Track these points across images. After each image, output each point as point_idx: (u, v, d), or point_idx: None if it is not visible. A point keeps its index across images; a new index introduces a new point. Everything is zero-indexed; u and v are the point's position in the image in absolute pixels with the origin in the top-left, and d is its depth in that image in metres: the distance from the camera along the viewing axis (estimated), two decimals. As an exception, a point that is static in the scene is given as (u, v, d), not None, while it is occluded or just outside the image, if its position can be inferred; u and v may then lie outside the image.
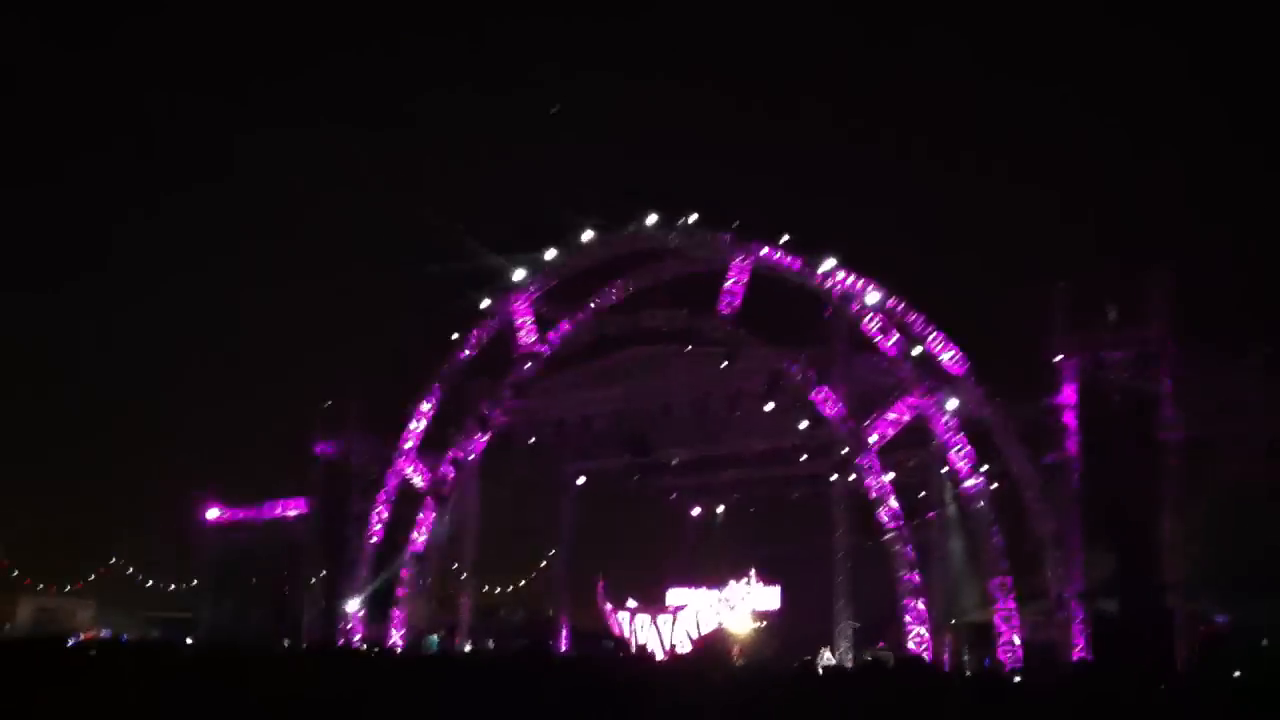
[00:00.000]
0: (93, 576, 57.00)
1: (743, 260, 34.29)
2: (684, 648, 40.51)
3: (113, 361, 49.44)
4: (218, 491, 46.94)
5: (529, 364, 38.34)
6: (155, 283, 51.72)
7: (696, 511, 45.77)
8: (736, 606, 41.43)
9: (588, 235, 37.58)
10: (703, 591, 42.55)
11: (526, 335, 38.44)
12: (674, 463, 40.28)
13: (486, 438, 39.84)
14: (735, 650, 38.25)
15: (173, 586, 52.14)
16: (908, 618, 31.30)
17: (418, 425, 40.62)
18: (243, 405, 46.52)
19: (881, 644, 35.09)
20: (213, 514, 46.86)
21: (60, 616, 53.72)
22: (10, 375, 50.95)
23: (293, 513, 44.83)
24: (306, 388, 43.47)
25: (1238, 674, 24.38)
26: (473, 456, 40.13)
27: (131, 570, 54.89)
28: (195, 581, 49.16)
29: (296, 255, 46.83)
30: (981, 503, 30.94)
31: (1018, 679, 24.78)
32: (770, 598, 41.58)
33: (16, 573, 56.56)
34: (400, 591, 40.33)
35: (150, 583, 53.93)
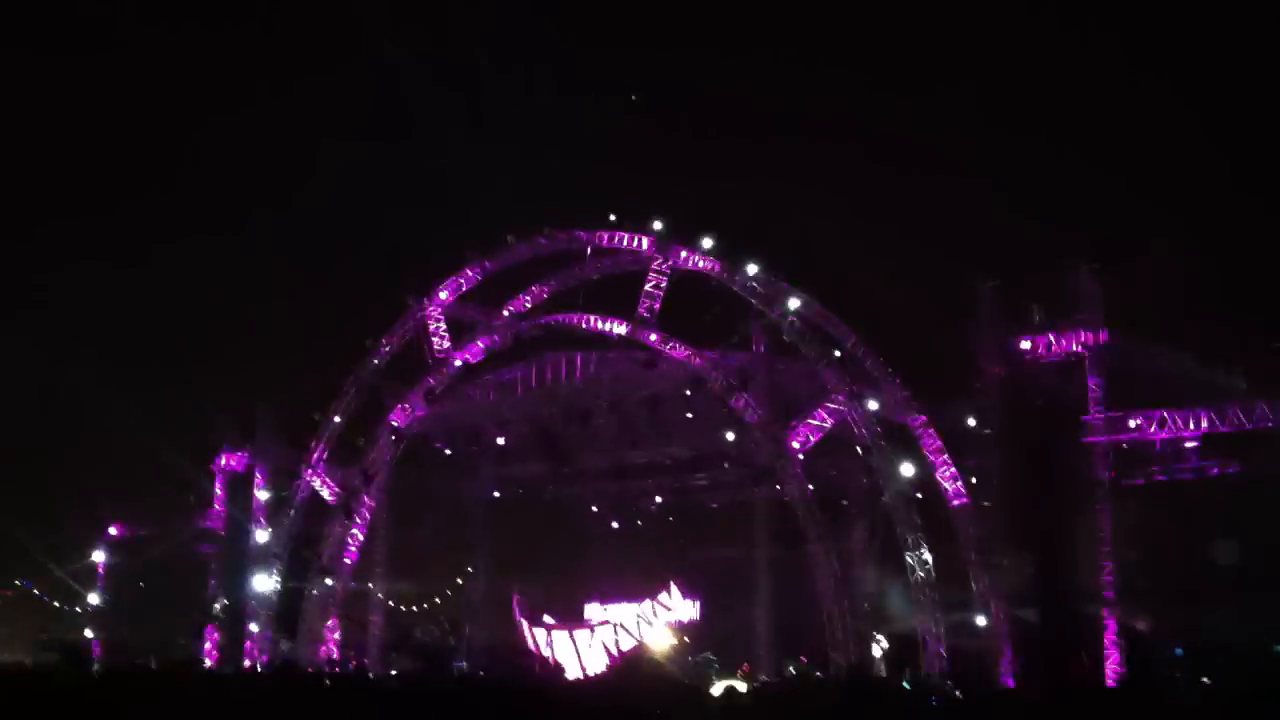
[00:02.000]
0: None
1: (662, 263, 33.54)
2: (600, 665, 39.47)
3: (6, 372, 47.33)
4: (120, 507, 45.32)
5: (443, 370, 37.28)
6: (45, 287, 49.65)
7: (615, 524, 44.80)
8: (655, 621, 40.46)
9: (507, 238, 36.65)
10: (621, 606, 41.53)
11: (440, 341, 37.38)
12: (591, 470, 39.39)
13: (398, 447, 38.71)
14: (653, 668, 37.24)
15: (79, 608, 50.05)
16: (831, 627, 30.65)
17: (327, 435, 39.36)
18: (147, 414, 44.74)
19: (804, 658, 34.43)
20: (114, 530, 45.21)
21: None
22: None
23: (198, 526, 43.32)
24: (213, 397, 41.97)
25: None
26: (384, 467, 38.97)
27: (36, 591, 52.83)
28: (97, 602, 47.34)
29: (208, 259, 45.35)
30: (905, 510, 30.46)
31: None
32: (690, 610, 40.66)
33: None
34: (307, 608, 39.02)
35: (58, 604, 51.84)
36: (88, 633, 46.41)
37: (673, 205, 34.90)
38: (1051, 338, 27.32)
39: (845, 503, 34.55)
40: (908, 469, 30.61)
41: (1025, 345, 27.55)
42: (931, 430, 30.68)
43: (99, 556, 46.30)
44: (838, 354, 31.60)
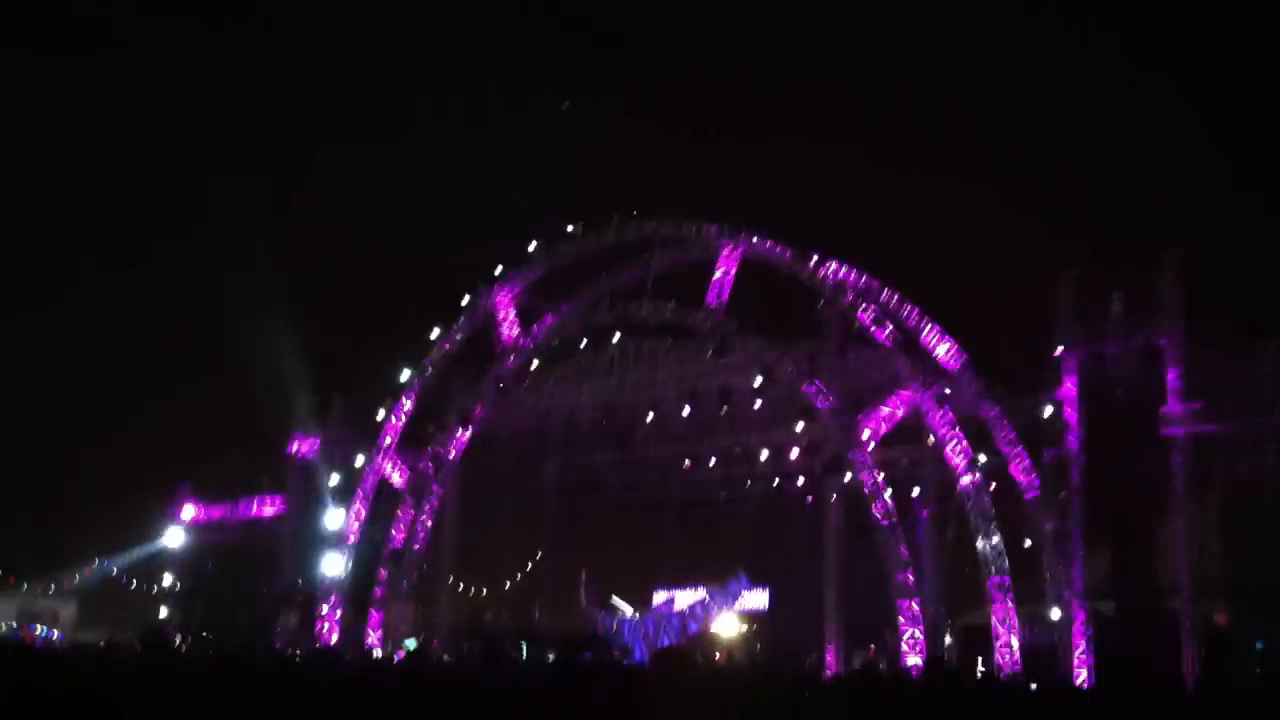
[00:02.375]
0: (77, 577, 56.15)
1: (731, 251, 33.32)
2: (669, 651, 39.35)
3: (84, 355, 47.99)
4: (194, 490, 45.95)
5: (511, 359, 37.32)
6: (119, 274, 50.29)
7: (684, 512, 44.65)
8: (724, 608, 40.35)
9: (572, 228, 36.58)
10: (689, 591, 41.48)
11: (509, 329, 37.42)
12: (662, 459, 39.28)
13: (468, 434, 38.87)
14: (717, 655, 37.13)
15: (155, 588, 50.91)
16: (901, 619, 30.37)
17: (397, 422, 39.62)
18: (220, 401, 45.30)
19: (873, 648, 34.18)
20: (188, 513, 45.84)
21: (44, 617, 52.93)
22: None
23: (270, 510, 43.82)
24: (285, 383, 42.29)
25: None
26: (454, 454, 39.16)
27: (116, 571, 53.88)
28: (176, 584, 48.06)
29: (276, 250, 45.59)
30: (978, 500, 30.12)
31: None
32: (758, 599, 40.55)
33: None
34: (378, 593, 39.34)
35: (133, 584, 52.84)
36: (163, 612, 47.11)
37: (735, 198, 34.73)
38: (1133, 327, 26.76)
39: (917, 493, 34.23)
40: (981, 459, 30.29)
41: (1105, 335, 27.00)
42: (1006, 421, 30.28)
43: (174, 539, 46.94)
44: (910, 341, 31.33)
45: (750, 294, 33.03)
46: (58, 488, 49.97)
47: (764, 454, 36.45)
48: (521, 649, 36.36)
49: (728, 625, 39.72)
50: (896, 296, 32.52)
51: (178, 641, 38.27)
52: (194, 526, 46.24)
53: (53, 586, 56.55)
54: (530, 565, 46.29)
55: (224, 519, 45.24)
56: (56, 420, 50.32)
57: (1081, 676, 27.46)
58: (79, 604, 56.06)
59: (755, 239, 33.03)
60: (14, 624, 48.55)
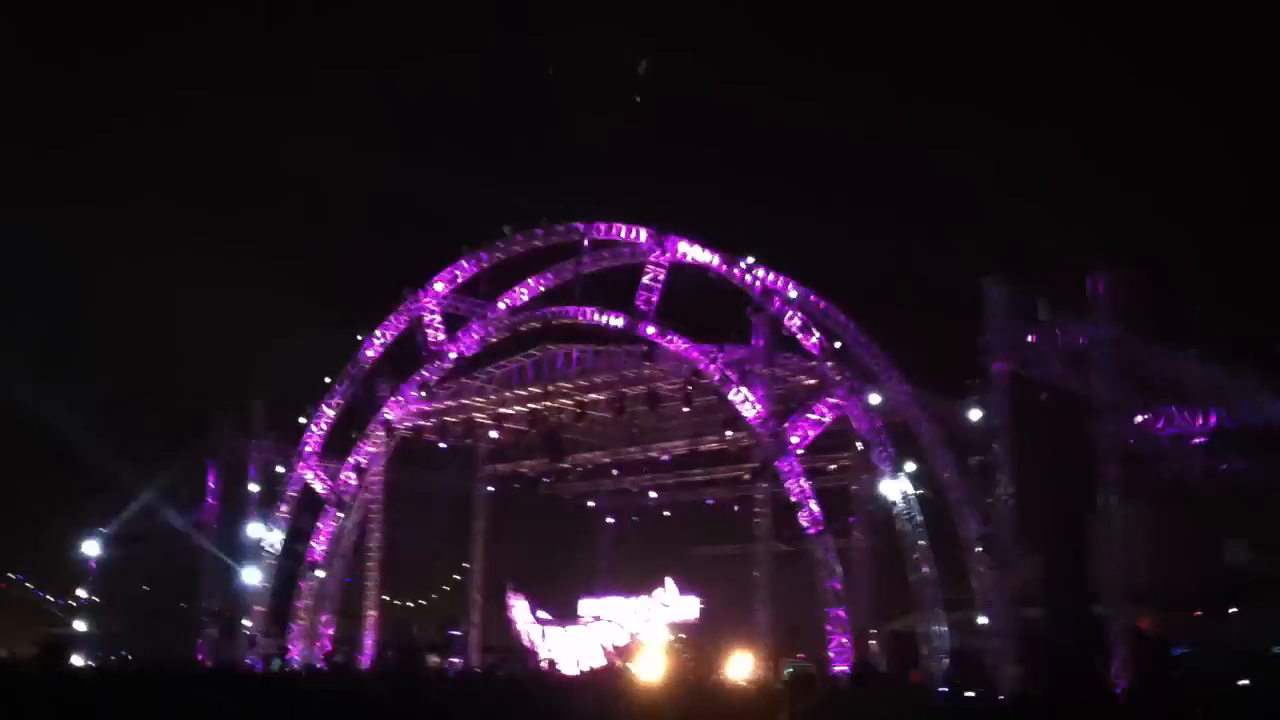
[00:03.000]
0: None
1: (660, 255, 32.98)
2: (595, 662, 39.04)
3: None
4: (111, 500, 44.76)
5: (437, 364, 36.73)
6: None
7: (611, 520, 44.33)
8: (652, 618, 40.00)
9: (503, 230, 36.05)
10: (616, 601, 41.10)
11: (435, 334, 36.81)
12: (588, 467, 38.94)
13: (392, 442, 38.23)
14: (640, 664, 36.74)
15: (72, 602, 49.55)
16: (828, 626, 30.17)
17: (319, 429, 38.84)
18: (135, 405, 44.19)
19: (803, 655, 33.91)
20: (102, 524, 44.69)
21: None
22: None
23: (182, 521, 42.79)
24: (206, 388, 41.43)
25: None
26: (378, 462, 38.51)
27: (30, 585, 52.47)
28: (90, 596, 46.81)
29: (195, 249, 44.60)
30: (906, 506, 30.03)
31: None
32: (688, 608, 40.19)
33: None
34: (299, 604, 38.57)
35: (52, 599, 51.43)
36: (78, 626, 45.88)
37: (669, 201, 34.49)
38: (1059, 332, 26.70)
39: (846, 499, 34.10)
40: (909, 465, 30.21)
41: (1032, 339, 26.93)
42: (934, 426, 30.22)
43: (90, 550, 45.72)
44: (838, 347, 31.21)
45: (679, 299, 32.66)
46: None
47: (692, 461, 36.18)
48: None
49: (655, 634, 39.37)
50: (824, 303, 32.48)
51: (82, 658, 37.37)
52: (111, 537, 45.03)
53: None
54: (458, 576, 45.66)
55: (141, 529, 44.06)
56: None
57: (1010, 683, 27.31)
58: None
59: (685, 243, 32.70)
60: None
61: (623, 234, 33.82)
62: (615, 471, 39.75)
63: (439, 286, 36.95)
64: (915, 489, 30.09)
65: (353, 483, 38.45)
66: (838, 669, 29.39)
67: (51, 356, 46.17)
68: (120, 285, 46.84)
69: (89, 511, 45.42)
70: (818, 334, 31.11)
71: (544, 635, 41.15)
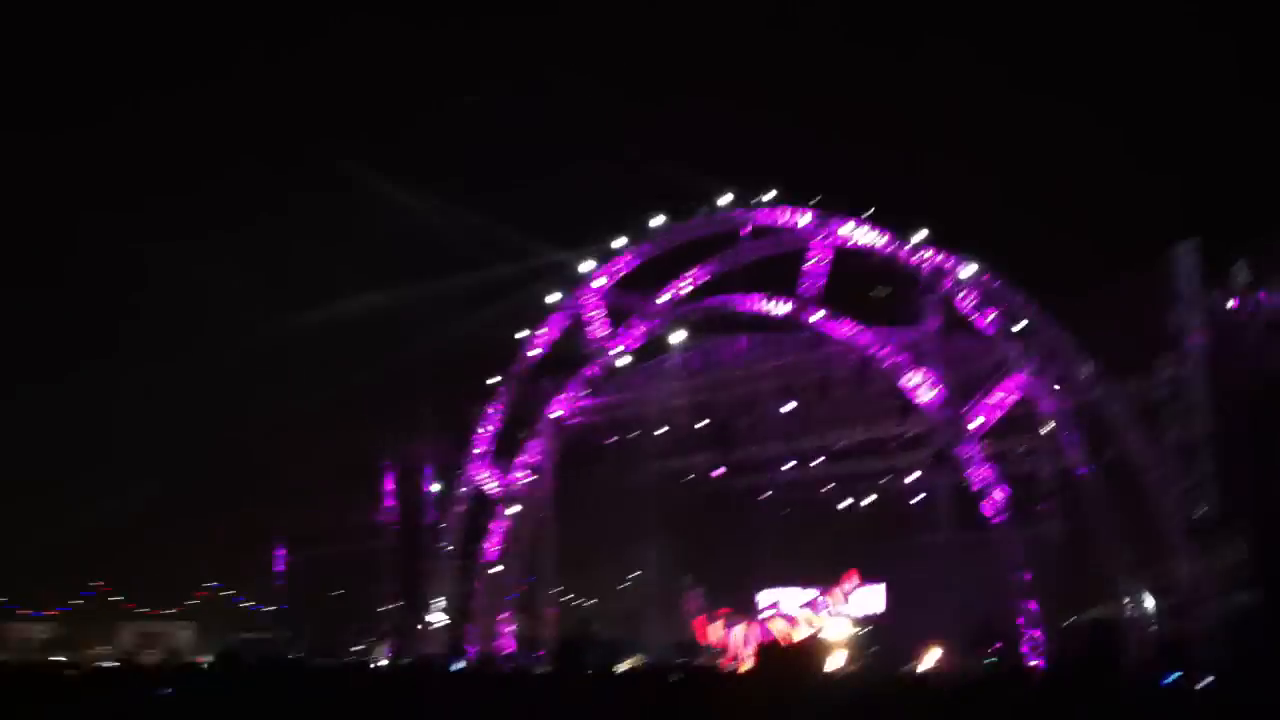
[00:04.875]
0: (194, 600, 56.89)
1: (824, 239, 31.88)
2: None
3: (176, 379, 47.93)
4: (294, 506, 45.81)
5: (602, 359, 36.29)
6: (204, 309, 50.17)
7: (787, 511, 43.20)
8: (835, 610, 38.91)
9: (658, 220, 35.39)
10: (797, 592, 40.09)
11: (598, 329, 36.36)
12: (762, 457, 37.94)
13: (560, 439, 37.97)
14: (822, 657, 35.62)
15: (269, 607, 51.06)
16: (1020, 620, 28.74)
17: (488, 429, 38.83)
18: (312, 417, 45.01)
19: (998, 646, 32.41)
20: (289, 531, 45.82)
21: (160, 640, 53.48)
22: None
23: (364, 522, 43.52)
24: (376, 395, 41.88)
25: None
26: (547, 460, 38.28)
27: (230, 591, 54.33)
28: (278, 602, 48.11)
29: (355, 262, 45.22)
30: (1099, 489, 28.37)
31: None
32: (874, 600, 38.93)
33: (118, 597, 56.58)
34: (476, 603, 38.66)
35: (251, 604, 53.15)
36: (268, 629, 47.15)
37: (830, 181, 33.36)
38: (1260, 297, 24.75)
39: (1033, 484, 32.45)
40: (1099, 446, 28.55)
41: (1232, 306, 25.03)
42: (1125, 404, 28.44)
43: (278, 554, 46.95)
44: (1017, 326, 29.69)
45: (846, 282, 31.56)
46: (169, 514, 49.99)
47: (869, 449, 34.93)
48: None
49: (837, 628, 38.26)
50: (999, 281, 30.92)
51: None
52: (296, 541, 46.12)
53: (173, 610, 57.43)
54: (635, 573, 45.28)
55: (324, 532, 45.01)
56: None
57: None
58: (197, 627, 56.72)
59: (849, 225, 31.54)
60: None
61: (785, 219, 32.79)
62: (789, 462, 38.64)
63: (599, 282, 36.46)
64: (1106, 470, 28.36)
65: (524, 481, 38.29)
66: (1031, 663, 28.01)
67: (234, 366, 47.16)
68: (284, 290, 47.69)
69: (277, 517, 46.54)
70: (994, 313, 29.60)
71: (724, 630, 40.39)
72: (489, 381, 38.88)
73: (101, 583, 56.30)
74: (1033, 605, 28.63)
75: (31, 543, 49.30)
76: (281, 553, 46.98)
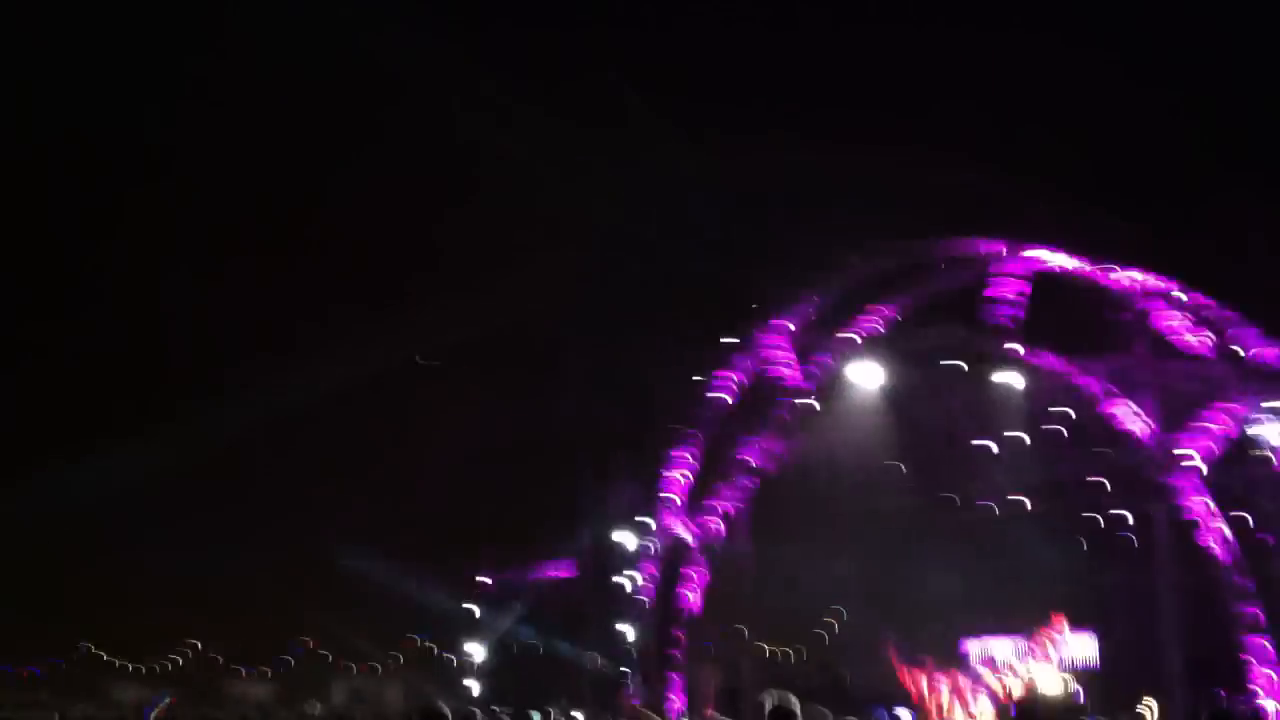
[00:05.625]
0: (400, 657, 58.06)
1: (1018, 266, 30.80)
2: (986, 710, 36.55)
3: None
4: (487, 558, 46.36)
5: (793, 402, 35.65)
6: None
7: (987, 553, 41.61)
8: (1045, 659, 37.13)
9: (848, 255, 34.78)
10: (1004, 642, 38.43)
11: (787, 371, 35.77)
12: (962, 496, 36.72)
13: (755, 485, 37.36)
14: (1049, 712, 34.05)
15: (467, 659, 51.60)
16: (1247, 657, 26.90)
17: (680, 475, 38.47)
18: (498, 467, 45.50)
19: (1224, 692, 30.41)
20: (484, 578, 46.28)
21: (371, 697, 54.73)
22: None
23: (562, 573, 43.72)
24: (563, 444, 42.08)
25: None
26: (741, 506, 37.71)
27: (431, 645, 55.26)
28: (481, 655, 48.55)
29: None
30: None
31: None
32: (1084, 647, 37.06)
33: (330, 655, 58.17)
34: (676, 654, 38.10)
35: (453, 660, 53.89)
36: (471, 684, 47.53)
37: (1023, 205, 32.31)
38: None
39: (1258, 518, 30.49)
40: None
41: None
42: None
43: (474, 607, 47.46)
44: (1235, 349, 28.10)
45: (1044, 311, 30.38)
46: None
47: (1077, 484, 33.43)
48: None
49: (1048, 679, 36.47)
50: (1211, 301, 29.34)
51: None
52: (491, 591, 46.60)
53: (379, 669, 58.69)
54: (834, 621, 44.32)
55: (518, 583, 45.36)
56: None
57: None
58: (404, 685, 57.76)
59: (1045, 251, 30.45)
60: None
61: (976, 248, 31.82)
62: (991, 501, 37.29)
63: (786, 322, 35.93)
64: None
65: (719, 529, 37.77)
66: (1264, 704, 26.14)
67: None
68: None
69: (474, 566, 47.14)
70: (1205, 334, 28.09)
71: (927, 680, 38.98)
72: (677, 426, 38.57)
73: (309, 640, 57.91)
74: (1264, 643, 26.74)
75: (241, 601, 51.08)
76: (480, 604, 47.44)
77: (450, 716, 12.64)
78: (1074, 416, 30.65)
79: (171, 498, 49.86)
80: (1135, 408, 28.41)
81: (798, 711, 12.44)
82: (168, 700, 41.85)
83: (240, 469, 51.08)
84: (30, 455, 48.25)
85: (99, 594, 50.33)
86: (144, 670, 56.68)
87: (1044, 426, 32.12)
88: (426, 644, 56.67)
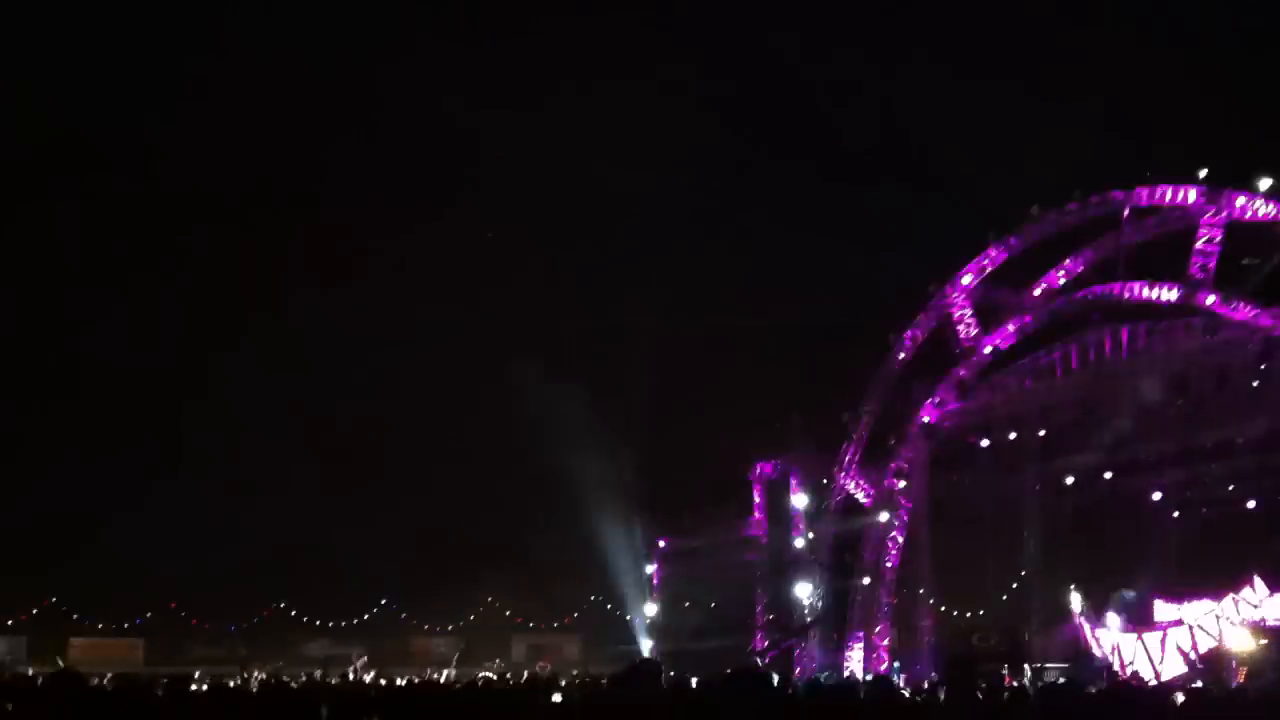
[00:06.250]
0: (575, 613, 59.15)
1: (1215, 215, 29.65)
2: (1176, 670, 35.58)
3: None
4: (665, 519, 46.66)
5: (973, 359, 35.08)
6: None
7: (1177, 514, 40.30)
8: (1238, 620, 35.90)
9: (1031, 209, 33.89)
10: (1196, 604, 37.28)
11: (967, 329, 35.19)
12: (1151, 456, 35.54)
13: (932, 444, 36.92)
14: (1240, 671, 32.97)
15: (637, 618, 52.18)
16: None
17: (857, 436, 38.25)
18: (682, 427, 45.77)
19: None
20: (659, 539, 46.69)
21: (549, 652, 55.83)
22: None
23: (737, 536, 43.82)
24: (742, 405, 42.08)
25: None
26: (919, 465, 37.31)
27: (608, 605, 56.08)
28: (653, 613, 48.96)
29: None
30: None
31: None
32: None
33: (509, 612, 59.49)
34: (855, 616, 38.05)
35: (626, 615, 54.54)
36: (645, 644, 48.02)
37: (1216, 147, 31.06)
38: None
39: None
40: None
41: None
42: None
43: (651, 568, 47.88)
44: None
45: (1242, 261, 29.20)
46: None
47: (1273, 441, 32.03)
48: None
49: (1241, 640, 35.29)
50: None
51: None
52: (667, 555, 46.97)
53: (555, 623, 59.87)
54: (1015, 582, 43.43)
55: (697, 545, 45.63)
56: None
57: None
58: (581, 640, 58.85)
59: (1243, 197, 29.21)
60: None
61: (1169, 196, 30.72)
62: (1182, 461, 36.02)
63: (966, 279, 35.32)
64: None
65: (896, 489, 37.48)
66: None
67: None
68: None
69: (650, 531, 47.51)
70: None
71: (1117, 643, 38.09)
72: (857, 387, 38.32)
73: (490, 597, 59.24)
74: None
75: (429, 560, 52.47)
76: (657, 566, 47.85)
77: (661, 667, 12.89)
78: (1272, 372, 29.26)
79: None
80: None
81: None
82: (363, 658, 43.20)
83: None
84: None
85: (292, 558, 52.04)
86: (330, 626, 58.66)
87: (1238, 382, 30.74)
88: (605, 604, 57.40)
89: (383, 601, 58.81)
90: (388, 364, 53.18)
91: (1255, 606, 35.63)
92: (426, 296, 51.08)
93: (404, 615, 59.61)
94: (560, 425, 43.23)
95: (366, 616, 58.67)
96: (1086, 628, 39.07)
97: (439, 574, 52.91)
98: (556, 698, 16.46)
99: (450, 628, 60.31)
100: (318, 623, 58.86)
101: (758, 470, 43.08)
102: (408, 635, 59.01)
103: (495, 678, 34.22)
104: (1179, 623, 37.35)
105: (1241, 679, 32.12)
